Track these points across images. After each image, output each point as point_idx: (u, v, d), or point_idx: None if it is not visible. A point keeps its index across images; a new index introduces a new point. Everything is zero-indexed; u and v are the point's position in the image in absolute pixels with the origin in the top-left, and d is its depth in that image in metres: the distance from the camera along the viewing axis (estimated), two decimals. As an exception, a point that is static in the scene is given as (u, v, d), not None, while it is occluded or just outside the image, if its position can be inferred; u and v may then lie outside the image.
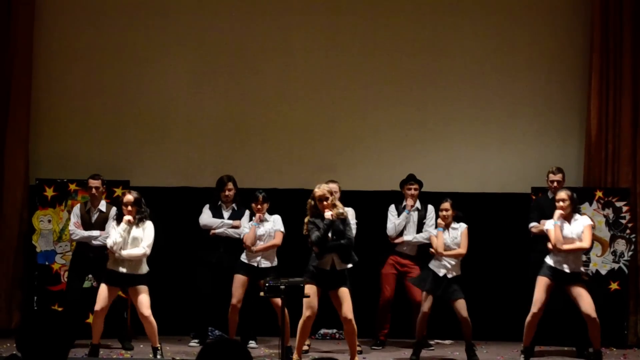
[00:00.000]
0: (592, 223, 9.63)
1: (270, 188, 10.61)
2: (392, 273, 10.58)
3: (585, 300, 9.28)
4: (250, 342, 10.33)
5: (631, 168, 11.26)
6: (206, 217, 10.49)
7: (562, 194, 9.45)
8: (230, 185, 10.49)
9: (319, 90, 11.65)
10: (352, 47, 11.65)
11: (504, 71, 11.63)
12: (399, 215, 10.62)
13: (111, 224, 9.59)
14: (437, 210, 10.15)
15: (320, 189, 8.94)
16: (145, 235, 9.33)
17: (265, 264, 9.92)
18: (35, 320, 3.82)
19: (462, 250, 9.63)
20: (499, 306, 10.97)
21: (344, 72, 11.64)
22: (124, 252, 9.24)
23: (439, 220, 9.76)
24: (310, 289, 8.78)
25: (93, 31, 11.59)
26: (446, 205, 9.71)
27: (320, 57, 11.65)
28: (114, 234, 9.29)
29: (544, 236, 9.58)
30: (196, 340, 10.45)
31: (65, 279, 10.66)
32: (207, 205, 10.55)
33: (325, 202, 8.87)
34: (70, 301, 10.24)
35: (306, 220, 9.01)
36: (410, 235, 10.58)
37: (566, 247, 9.30)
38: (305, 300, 8.77)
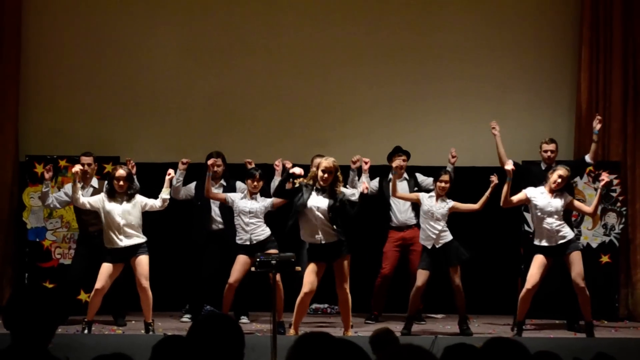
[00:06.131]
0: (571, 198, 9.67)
1: (261, 163, 10.59)
2: (394, 250, 10.57)
3: (575, 269, 9.30)
4: (242, 317, 10.33)
5: (621, 141, 11.28)
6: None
7: (565, 171, 9.44)
8: (219, 161, 10.45)
9: (309, 65, 11.63)
10: (342, 22, 11.62)
11: (494, 45, 11.62)
12: (381, 189, 10.63)
13: (101, 196, 9.57)
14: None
15: (327, 161, 8.98)
16: (143, 200, 9.51)
17: (257, 238, 9.84)
18: (22, 296, 3.81)
19: (478, 206, 9.62)
20: (491, 280, 11.01)
21: (335, 48, 11.62)
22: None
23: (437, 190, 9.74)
24: (309, 266, 8.85)
25: (83, 6, 11.55)
26: (446, 177, 9.69)
27: (311, 33, 11.62)
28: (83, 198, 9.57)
29: None
30: (188, 316, 10.46)
31: (56, 256, 10.70)
32: (195, 183, 10.53)
33: (326, 175, 8.90)
34: (71, 280, 10.22)
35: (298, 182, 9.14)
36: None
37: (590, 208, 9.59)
38: (305, 276, 8.84)
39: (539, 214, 9.41)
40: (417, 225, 10.32)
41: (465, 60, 11.59)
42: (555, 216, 9.38)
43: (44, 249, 10.87)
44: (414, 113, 11.61)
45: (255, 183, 9.82)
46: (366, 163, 10.11)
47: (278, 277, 8.86)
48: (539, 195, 9.45)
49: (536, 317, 10.39)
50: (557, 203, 9.40)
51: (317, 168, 9.11)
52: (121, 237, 9.35)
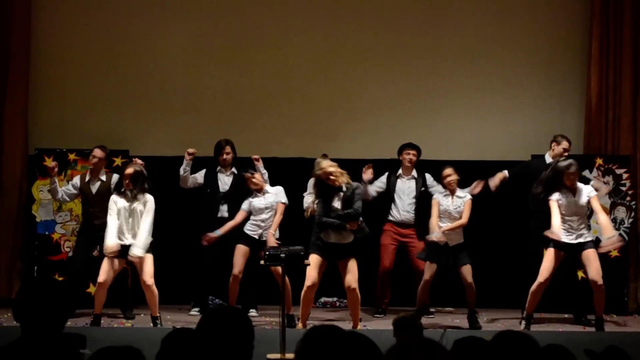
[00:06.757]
0: (595, 193, 9.59)
1: (270, 157, 10.59)
2: (392, 244, 10.54)
3: (593, 266, 9.29)
4: (251, 310, 10.34)
5: (631, 135, 11.25)
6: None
7: (575, 167, 9.39)
8: (228, 148, 10.47)
9: (319, 62, 11.62)
10: (352, 19, 11.61)
11: (503, 40, 11.59)
12: (388, 184, 10.60)
13: (111, 199, 9.52)
14: (437, 178, 10.18)
15: (321, 170, 8.94)
16: (151, 209, 9.33)
17: (266, 236, 9.90)
18: (32, 289, 3.81)
19: (464, 220, 9.59)
20: (499, 273, 10.98)
21: (345, 44, 11.61)
22: (136, 252, 9.26)
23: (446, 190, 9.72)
24: (313, 260, 8.84)
25: (93, 0, 11.55)
26: (449, 170, 9.66)
27: (321, 30, 11.62)
28: (111, 237, 9.29)
29: (544, 204, 9.55)
30: (197, 309, 10.47)
31: (66, 249, 10.70)
32: (204, 170, 10.56)
33: (332, 177, 8.89)
34: (72, 272, 10.22)
35: (313, 200, 9.14)
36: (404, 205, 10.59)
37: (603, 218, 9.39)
38: (308, 270, 8.84)
39: (562, 211, 9.36)
40: (416, 225, 10.33)
41: (475, 56, 11.56)
42: (577, 216, 9.35)
43: (53, 242, 10.88)
44: (423, 109, 11.59)
45: (254, 180, 9.83)
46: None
47: (280, 270, 8.82)
48: (563, 198, 9.40)
49: (544, 311, 10.37)
50: (580, 200, 9.36)
51: (316, 185, 9.08)
52: (127, 234, 9.33)
